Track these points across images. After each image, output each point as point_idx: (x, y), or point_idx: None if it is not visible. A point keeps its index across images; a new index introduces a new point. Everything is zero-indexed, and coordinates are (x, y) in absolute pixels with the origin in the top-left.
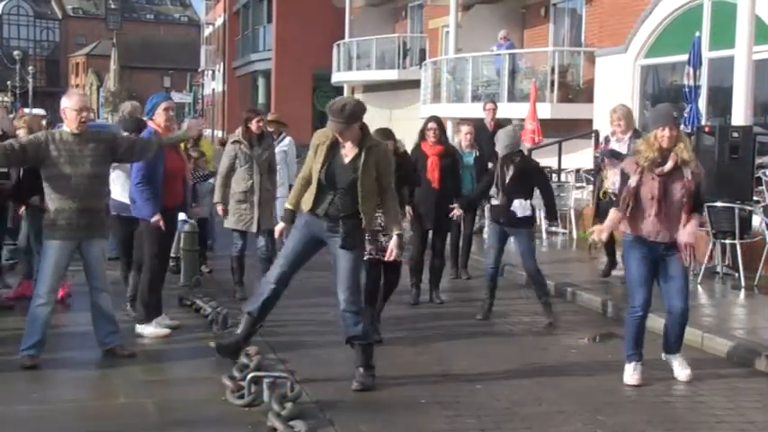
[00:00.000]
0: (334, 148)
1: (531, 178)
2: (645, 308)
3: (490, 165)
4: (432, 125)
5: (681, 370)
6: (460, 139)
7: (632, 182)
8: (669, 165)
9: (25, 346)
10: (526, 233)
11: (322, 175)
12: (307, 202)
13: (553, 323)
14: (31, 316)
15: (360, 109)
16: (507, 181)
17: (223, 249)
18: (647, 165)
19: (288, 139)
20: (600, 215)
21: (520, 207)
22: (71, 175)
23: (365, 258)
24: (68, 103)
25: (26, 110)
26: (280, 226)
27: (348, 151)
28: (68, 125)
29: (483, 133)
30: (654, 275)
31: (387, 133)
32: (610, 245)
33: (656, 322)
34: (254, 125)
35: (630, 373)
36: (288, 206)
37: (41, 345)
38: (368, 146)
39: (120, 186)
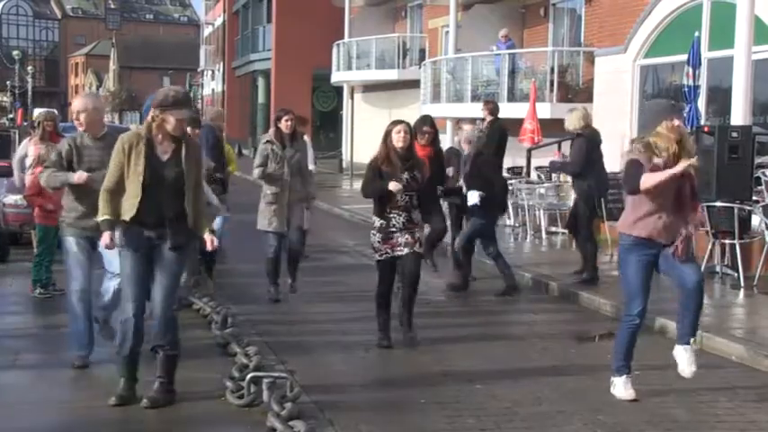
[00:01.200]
0: (149, 147)
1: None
2: (642, 316)
3: (449, 170)
4: (426, 128)
5: (688, 365)
6: (461, 138)
7: (664, 179)
8: (691, 161)
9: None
10: (472, 219)
11: (147, 176)
12: (129, 210)
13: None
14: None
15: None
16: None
17: (227, 250)
18: (667, 159)
19: (305, 137)
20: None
21: (470, 197)
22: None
23: (379, 259)
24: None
25: (39, 110)
26: (106, 238)
27: (166, 148)
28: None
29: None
30: (652, 277)
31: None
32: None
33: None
34: (283, 124)
35: (624, 388)
36: (105, 217)
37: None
38: (185, 139)
39: None
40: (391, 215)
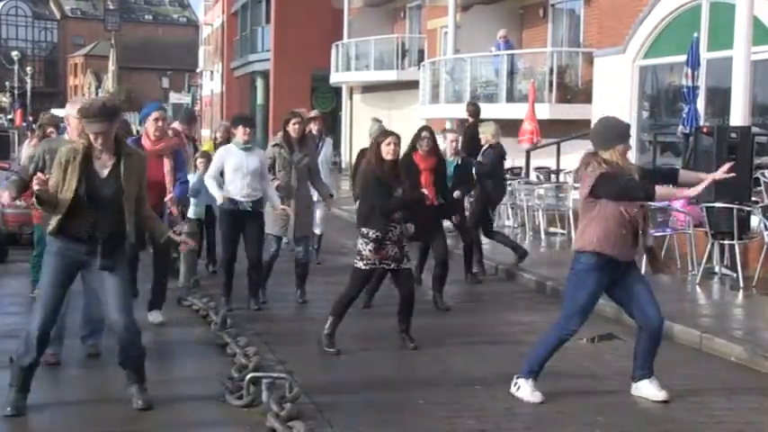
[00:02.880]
0: (86, 162)
1: None
2: (574, 333)
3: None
4: (425, 134)
5: (658, 391)
6: (446, 146)
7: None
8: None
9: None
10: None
11: (81, 192)
12: (54, 224)
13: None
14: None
15: (118, 105)
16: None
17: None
18: None
19: (327, 139)
20: None
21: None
22: None
23: (363, 267)
24: None
25: (54, 111)
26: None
27: (105, 162)
28: None
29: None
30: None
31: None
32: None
33: None
34: (290, 128)
35: (532, 390)
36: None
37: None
38: (126, 153)
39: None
40: (389, 227)
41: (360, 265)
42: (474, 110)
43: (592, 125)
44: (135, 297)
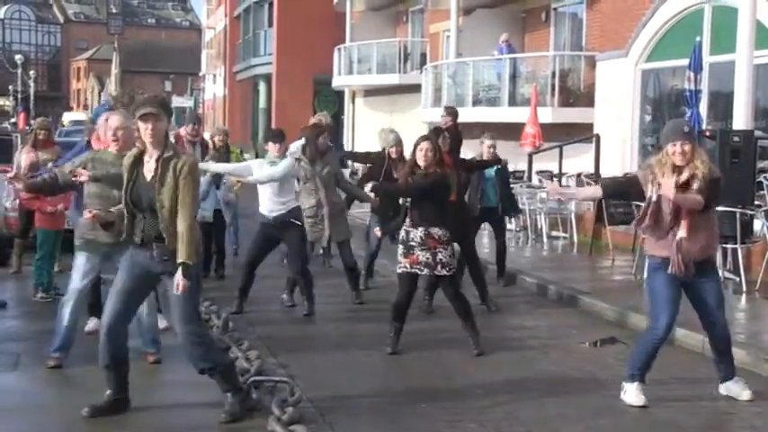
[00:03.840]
0: (136, 165)
1: None
2: (668, 332)
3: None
4: (444, 134)
5: (743, 391)
6: (482, 151)
7: (653, 195)
8: (684, 176)
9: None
10: None
11: (127, 197)
12: (120, 231)
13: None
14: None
15: (168, 102)
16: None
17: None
18: (657, 186)
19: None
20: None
21: None
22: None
23: (399, 271)
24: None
25: (68, 115)
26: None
27: (150, 166)
28: None
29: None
30: (680, 297)
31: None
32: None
33: None
34: (320, 141)
35: (636, 395)
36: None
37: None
38: (164, 157)
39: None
40: (409, 229)
41: (396, 268)
42: (455, 112)
43: (594, 129)
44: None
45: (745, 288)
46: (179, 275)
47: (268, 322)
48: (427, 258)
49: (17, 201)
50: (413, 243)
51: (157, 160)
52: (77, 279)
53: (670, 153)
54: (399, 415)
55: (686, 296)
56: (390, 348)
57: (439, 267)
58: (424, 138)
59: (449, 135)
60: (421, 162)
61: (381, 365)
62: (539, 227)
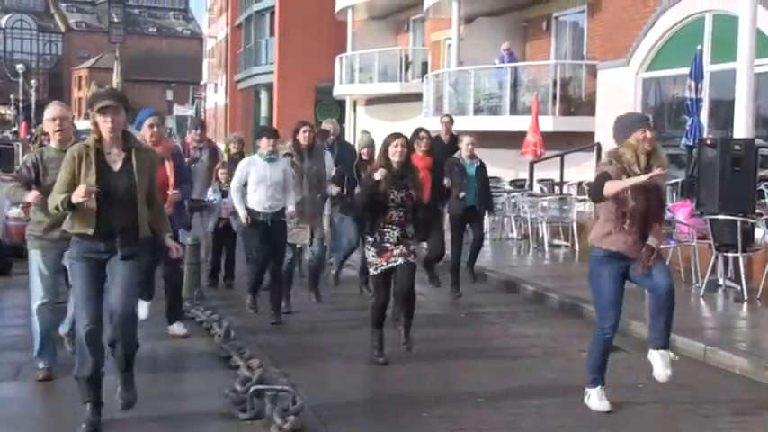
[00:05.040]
0: (98, 157)
1: None
2: (614, 330)
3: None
4: (423, 134)
5: (662, 368)
6: (461, 149)
7: (627, 186)
8: (657, 171)
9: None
10: None
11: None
12: (85, 225)
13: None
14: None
15: (126, 97)
16: None
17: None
18: (631, 171)
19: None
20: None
21: None
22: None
23: (374, 273)
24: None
25: (81, 121)
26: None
27: (115, 156)
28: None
29: (438, 144)
30: (624, 287)
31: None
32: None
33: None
34: (301, 136)
35: (599, 399)
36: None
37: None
38: (136, 146)
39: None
40: (385, 230)
41: (371, 272)
42: (451, 120)
43: (595, 138)
44: (150, 298)
45: (746, 296)
46: (171, 242)
47: (269, 331)
48: (400, 250)
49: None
50: (387, 244)
51: (127, 150)
52: (42, 291)
53: (640, 140)
54: (400, 423)
55: (630, 277)
56: (383, 359)
57: (412, 256)
58: (397, 134)
59: (425, 135)
60: (395, 158)
61: (382, 374)
62: (540, 235)
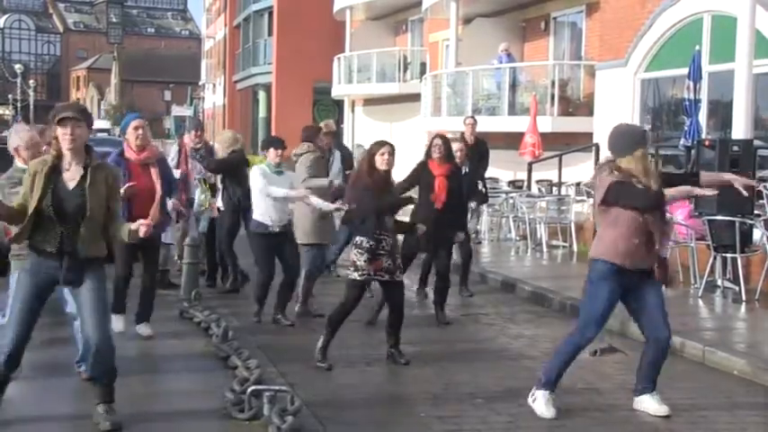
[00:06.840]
0: (54, 173)
1: None
2: (592, 340)
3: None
4: (437, 141)
5: (658, 406)
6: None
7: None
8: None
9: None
10: None
11: (46, 204)
12: (20, 234)
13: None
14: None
15: (89, 111)
16: None
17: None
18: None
19: (336, 153)
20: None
21: None
22: None
23: (358, 278)
24: None
25: (100, 121)
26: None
27: (74, 174)
28: None
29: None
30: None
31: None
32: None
33: None
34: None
35: (547, 404)
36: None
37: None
38: (93, 165)
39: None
40: (381, 237)
41: (355, 276)
42: (476, 121)
43: (593, 138)
44: (122, 311)
45: (744, 297)
46: (134, 224)
47: (268, 331)
48: (389, 264)
49: None
50: (382, 251)
51: (85, 168)
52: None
53: (644, 155)
54: (399, 423)
55: (627, 303)
56: (326, 364)
57: (398, 272)
58: (383, 142)
59: (439, 143)
60: (383, 166)
61: (381, 374)
62: (538, 236)
